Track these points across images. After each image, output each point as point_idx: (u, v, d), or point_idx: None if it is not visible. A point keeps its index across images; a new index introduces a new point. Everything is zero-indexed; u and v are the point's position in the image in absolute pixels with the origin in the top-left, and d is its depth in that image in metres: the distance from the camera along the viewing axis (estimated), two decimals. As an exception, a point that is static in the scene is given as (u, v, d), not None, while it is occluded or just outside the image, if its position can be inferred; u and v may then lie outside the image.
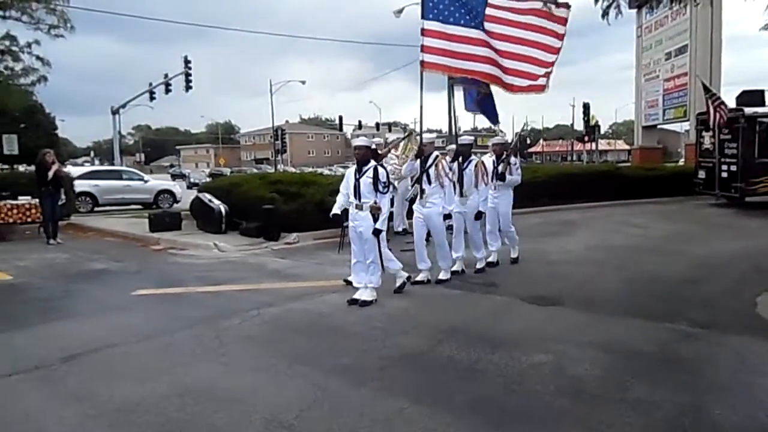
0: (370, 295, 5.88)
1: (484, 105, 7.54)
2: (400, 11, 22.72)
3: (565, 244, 9.58)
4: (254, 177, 13.43)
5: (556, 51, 6.59)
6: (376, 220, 5.84)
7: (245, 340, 4.86)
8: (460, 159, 7.05)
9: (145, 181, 19.28)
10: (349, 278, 6.35)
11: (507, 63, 6.47)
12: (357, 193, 5.91)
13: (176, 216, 11.75)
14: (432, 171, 6.53)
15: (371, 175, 5.88)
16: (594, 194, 15.25)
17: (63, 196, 11.34)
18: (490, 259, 7.60)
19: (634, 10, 22.78)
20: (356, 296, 5.88)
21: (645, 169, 18.27)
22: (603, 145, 62.05)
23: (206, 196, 11.51)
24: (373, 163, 6.03)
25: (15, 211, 11.53)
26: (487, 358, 4.25)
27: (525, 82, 6.53)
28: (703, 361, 4.23)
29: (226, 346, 4.65)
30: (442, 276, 6.82)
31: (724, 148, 14.62)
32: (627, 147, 58.73)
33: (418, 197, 6.84)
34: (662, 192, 16.29)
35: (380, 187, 5.91)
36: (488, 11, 6.46)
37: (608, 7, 7.58)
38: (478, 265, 7.38)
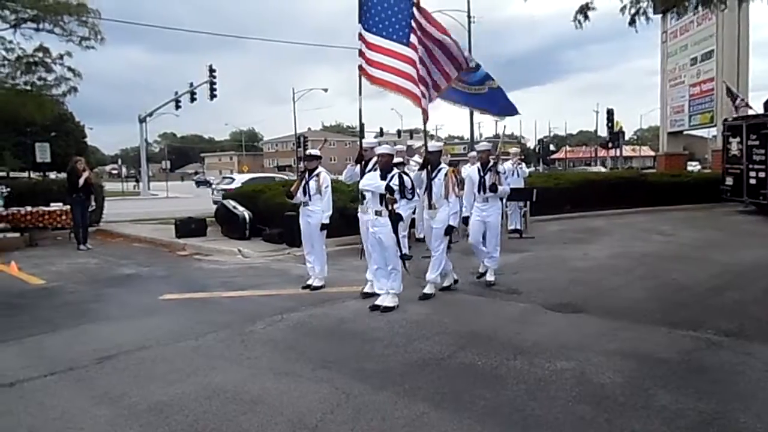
0: (392, 301, 5.93)
1: (492, 99, 7.14)
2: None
3: (588, 251, 9.52)
4: (277, 184, 13.61)
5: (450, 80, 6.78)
6: (393, 221, 5.83)
7: (269, 344, 4.95)
8: (429, 167, 6.42)
9: None
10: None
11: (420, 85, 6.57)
12: (382, 199, 5.94)
13: (202, 222, 11.97)
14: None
15: (396, 182, 5.95)
16: (618, 201, 15.12)
17: (93, 203, 11.64)
18: (489, 278, 7.01)
19: (659, 16, 22.53)
20: (378, 302, 5.94)
21: (670, 175, 18.01)
22: (628, 151, 61.14)
23: (231, 203, 11.72)
24: (396, 170, 6.11)
25: (47, 216, 11.88)
26: (508, 365, 4.27)
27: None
28: (728, 369, 4.18)
29: (251, 350, 4.75)
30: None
31: (752, 154, 14.37)
32: (652, 153, 57.89)
33: (360, 203, 6.55)
34: (688, 199, 16.06)
35: (407, 194, 5.98)
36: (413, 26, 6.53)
37: (635, 14, 7.53)
38: (427, 290, 6.44)
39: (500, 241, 7.32)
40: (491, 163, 6.98)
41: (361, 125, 7.10)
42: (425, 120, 6.55)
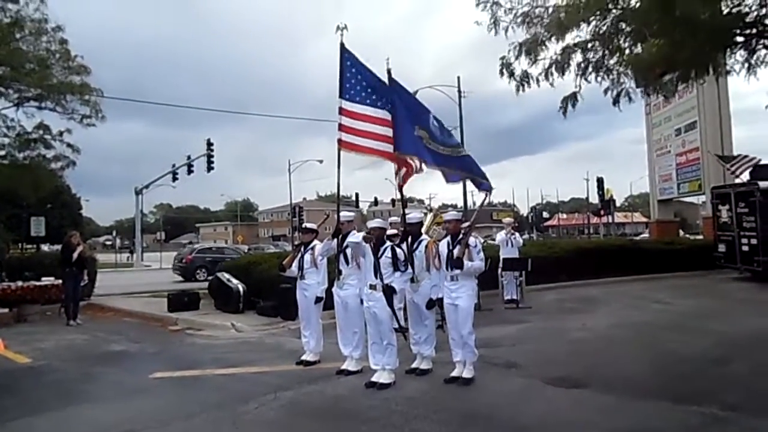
0: (388, 377, 5.80)
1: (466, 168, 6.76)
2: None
3: (586, 321, 9.41)
4: (272, 256, 13.57)
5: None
6: (387, 294, 5.81)
7: (262, 425, 4.79)
8: (409, 239, 6.25)
9: None
10: (303, 358, 6.82)
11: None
12: (376, 272, 5.93)
13: (195, 295, 11.84)
14: (349, 251, 6.34)
15: (389, 255, 5.96)
16: (613, 269, 15.09)
17: (86, 277, 11.54)
18: (466, 375, 5.90)
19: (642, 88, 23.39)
20: (374, 379, 5.80)
21: (663, 243, 18.11)
22: (620, 217, 61.94)
23: (225, 276, 11.63)
24: (389, 243, 6.13)
25: (37, 291, 11.74)
26: (510, 446, 4.13)
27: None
28: (737, 448, 4.06)
29: (243, 433, 4.59)
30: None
31: (743, 221, 14.55)
32: (644, 219, 58.56)
33: (336, 279, 6.54)
34: (682, 266, 16.06)
35: (400, 266, 5.97)
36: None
37: (618, 95, 7.87)
38: (421, 365, 6.24)
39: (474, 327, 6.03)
40: (461, 235, 6.01)
41: (338, 197, 7.09)
42: (402, 177, 6.59)
